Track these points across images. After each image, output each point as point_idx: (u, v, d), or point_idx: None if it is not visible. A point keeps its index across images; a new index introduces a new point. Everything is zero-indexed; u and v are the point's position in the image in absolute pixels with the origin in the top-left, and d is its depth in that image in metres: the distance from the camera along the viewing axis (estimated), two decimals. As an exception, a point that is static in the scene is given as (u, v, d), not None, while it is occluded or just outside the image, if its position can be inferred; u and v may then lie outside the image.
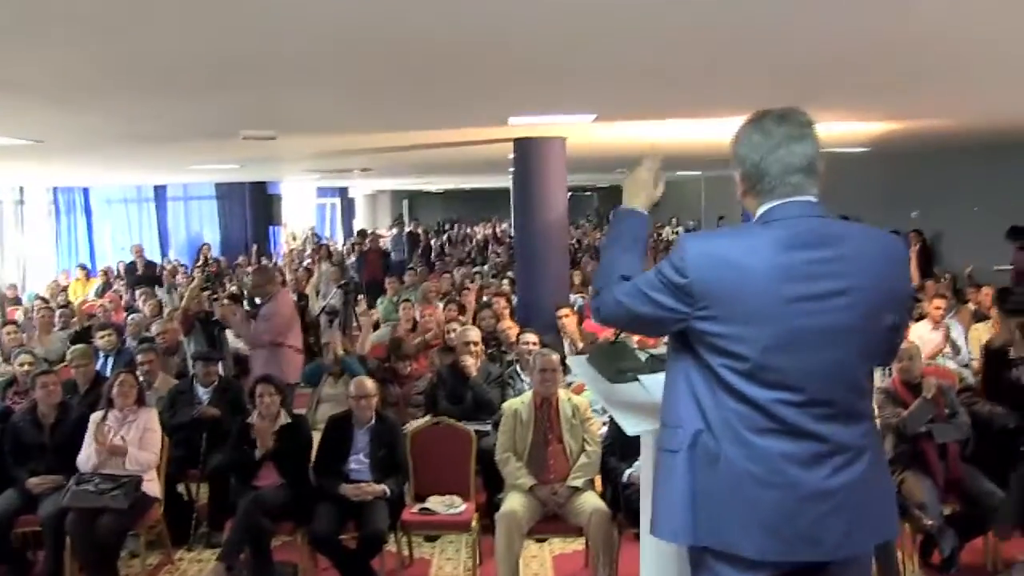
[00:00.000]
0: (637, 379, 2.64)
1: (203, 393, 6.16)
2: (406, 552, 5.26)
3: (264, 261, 16.34)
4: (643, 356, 2.84)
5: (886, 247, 2.18)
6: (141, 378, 6.17)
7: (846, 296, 2.07)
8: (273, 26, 3.44)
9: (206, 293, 10.25)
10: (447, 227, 30.30)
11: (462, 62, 4.41)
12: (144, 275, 12.87)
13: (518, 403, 5.11)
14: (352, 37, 3.71)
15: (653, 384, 2.58)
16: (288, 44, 3.82)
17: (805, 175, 2.14)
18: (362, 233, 15.80)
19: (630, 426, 2.48)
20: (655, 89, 5.66)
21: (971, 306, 8.53)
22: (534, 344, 6.19)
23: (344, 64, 4.39)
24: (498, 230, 26.34)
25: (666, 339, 2.36)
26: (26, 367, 6.41)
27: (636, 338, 3.43)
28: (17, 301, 11.93)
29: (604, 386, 2.68)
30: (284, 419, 5.26)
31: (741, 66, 4.76)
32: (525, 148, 8.41)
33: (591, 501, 4.74)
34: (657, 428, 2.45)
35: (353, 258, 15.05)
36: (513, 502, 4.75)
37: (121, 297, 11.81)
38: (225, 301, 8.77)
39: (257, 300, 7.21)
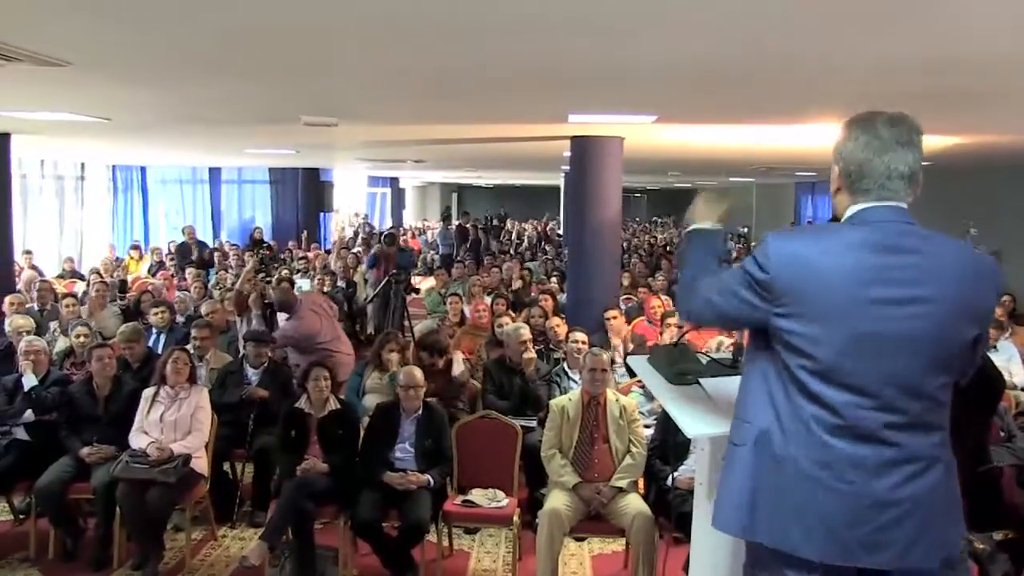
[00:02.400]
0: (698, 382, 2.62)
1: (252, 374, 6.23)
2: (446, 543, 5.28)
3: (314, 248, 16.49)
4: (704, 360, 2.82)
5: (973, 261, 2.16)
6: (192, 352, 6.27)
7: (924, 304, 2.06)
8: (340, 15, 3.47)
9: (260, 276, 10.37)
10: (495, 221, 30.27)
11: (526, 58, 4.41)
12: (197, 259, 13.00)
13: (566, 401, 5.10)
14: (419, 31, 3.74)
15: (714, 388, 2.56)
16: (354, 33, 3.86)
17: (905, 182, 2.14)
18: (390, 238, 12.96)
19: (690, 427, 2.46)
20: (716, 93, 5.63)
21: (1029, 328, 8.33)
22: (583, 343, 6.17)
23: (409, 56, 4.41)
24: (547, 228, 26.30)
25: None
26: (82, 339, 6.56)
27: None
28: (75, 274, 12.18)
29: (665, 387, 2.67)
30: (333, 404, 5.31)
31: (797, 74, 4.73)
32: (582, 146, 8.38)
33: (634, 503, 4.72)
34: (717, 432, 2.44)
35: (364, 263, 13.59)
36: (557, 500, 4.74)
37: (173, 276, 12.01)
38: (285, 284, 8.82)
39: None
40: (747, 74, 4.81)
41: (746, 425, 2.21)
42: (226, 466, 6.02)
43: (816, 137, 8.26)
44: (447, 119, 7.74)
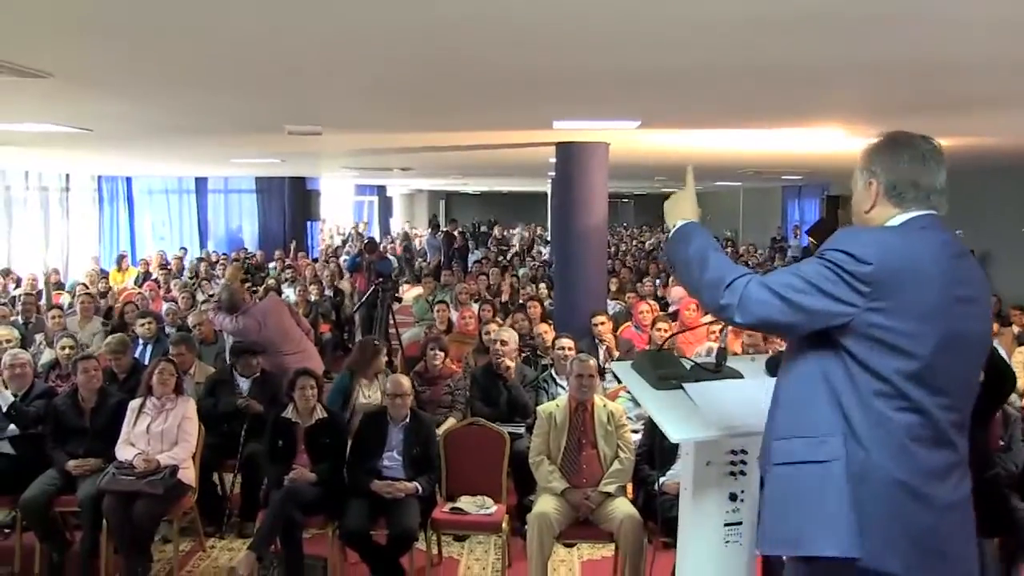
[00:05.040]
0: (681, 387, 2.62)
1: (244, 383, 6.20)
2: (435, 551, 5.28)
3: (301, 256, 16.46)
4: (687, 364, 2.83)
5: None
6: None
7: (980, 306, 2.16)
8: (324, 25, 3.47)
9: (246, 285, 10.33)
10: (483, 228, 30.28)
11: (510, 66, 4.42)
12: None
13: (553, 407, 5.10)
14: (400, 39, 3.74)
15: (698, 393, 2.57)
16: (338, 44, 3.86)
17: (944, 197, 2.21)
18: (370, 243, 13.45)
19: (674, 433, 2.46)
20: (699, 99, 5.65)
21: (1015, 329, 8.38)
22: (570, 349, 6.17)
23: (392, 65, 4.42)
24: (537, 236, 26.31)
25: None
26: (67, 351, 6.52)
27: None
28: (60, 286, 12.11)
29: (648, 392, 2.67)
30: (320, 413, 5.29)
31: (781, 81, 4.74)
32: (567, 152, 8.39)
33: (623, 508, 4.72)
34: (700, 436, 2.44)
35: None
36: (545, 505, 4.74)
37: (159, 286, 11.96)
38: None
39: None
40: (729, 81, 4.82)
41: (828, 439, 2.08)
42: (214, 477, 5.99)
43: (802, 141, 8.30)
44: (432, 127, 7.75)
